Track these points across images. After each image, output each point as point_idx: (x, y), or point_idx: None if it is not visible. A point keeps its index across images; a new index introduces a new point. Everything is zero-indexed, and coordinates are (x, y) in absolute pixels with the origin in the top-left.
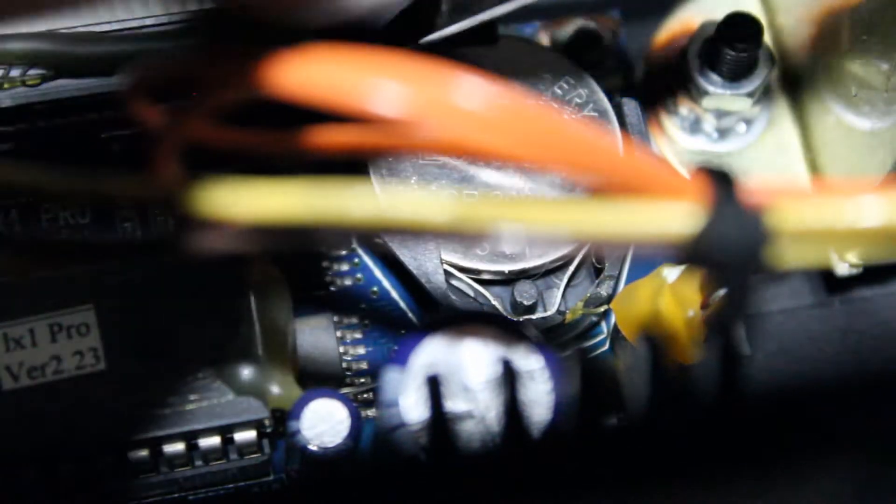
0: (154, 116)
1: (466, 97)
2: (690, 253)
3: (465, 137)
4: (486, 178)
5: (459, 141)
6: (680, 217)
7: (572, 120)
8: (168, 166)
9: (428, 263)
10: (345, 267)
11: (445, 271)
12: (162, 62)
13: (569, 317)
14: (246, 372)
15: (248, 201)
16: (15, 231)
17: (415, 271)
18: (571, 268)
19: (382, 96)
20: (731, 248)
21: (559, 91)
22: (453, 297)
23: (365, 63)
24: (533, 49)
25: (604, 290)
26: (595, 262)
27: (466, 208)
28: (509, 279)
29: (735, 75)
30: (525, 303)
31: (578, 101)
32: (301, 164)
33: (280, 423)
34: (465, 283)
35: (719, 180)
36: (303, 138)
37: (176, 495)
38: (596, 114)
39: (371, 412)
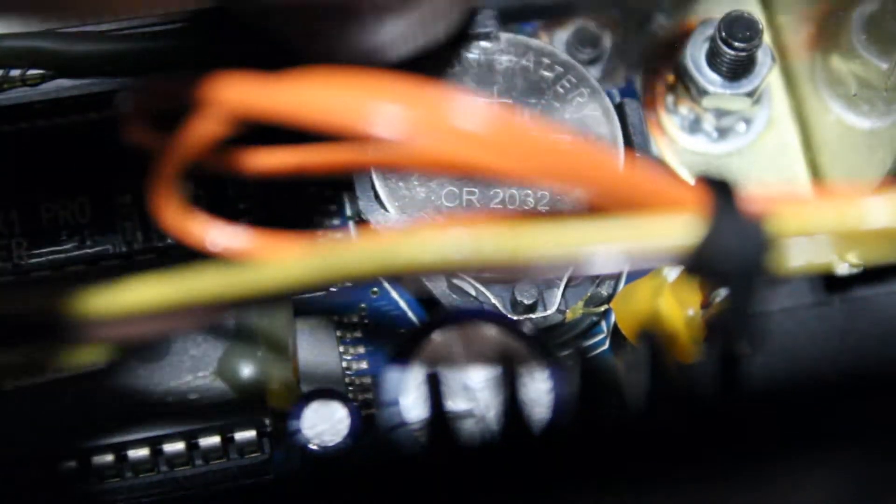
0: (153, 140)
1: (465, 118)
2: (692, 264)
3: (464, 157)
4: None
5: (459, 161)
6: (680, 228)
7: (570, 136)
8: (169, 190)
9: None
10: None
11: None
12: (160, 84)
13: (569, 316)
14: (246, 371)
15: (255, 276)
16: None
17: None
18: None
19: (381, 118)
20: (732, 257)
21: (561, 90)
22: (454, 295)
23: (363, 85)
24: (535, 50)
25: (604, 290)
26: None
27: (467, 241)
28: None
29: (735, 74)
30: (526, 302)
31: (580, 100)
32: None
33: (280, 422)
34: (466, 282)
35: (718, 189)
36: (301, 158)
37: (176, 494)
38: (598, 112)
39: (371, 411)
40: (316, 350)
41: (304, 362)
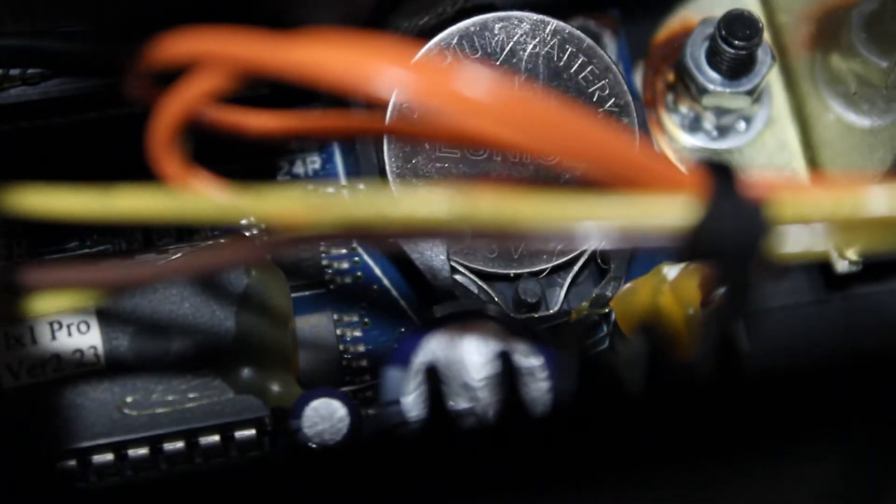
0: (156, 96)
1: (468, 85)
2: (690, 245)
3: (464, 125)
4: (499, 172)
5: (459, 128)
6: (679, 209)
7: (574, 111)
8: (171, 147)
9: (435, 260)
10: (345, 265)
11: (450, 267)
12: (165, 42)
13: (573, 316)
14: (246, 370)
15: (250, 204)
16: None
17: (421, 267)
18: (576, 267)
19: (384, 80)
20: (729, 239)
21: (583, 83)
22: (456, 293)
23: (368, 46)
24: (561, 36)
25: (609, 291)
26: (601, 262)
27: (465, 203)
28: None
29: (735, 73)
30: (529, 300)
31: (601, 94)
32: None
33: (280, 421)
34: (469, 280)
35: (719, 172)
36: (307, 120)
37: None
38: (617, 109)
39: (371, 410)
40: (316, 348)
41: (305, 361)
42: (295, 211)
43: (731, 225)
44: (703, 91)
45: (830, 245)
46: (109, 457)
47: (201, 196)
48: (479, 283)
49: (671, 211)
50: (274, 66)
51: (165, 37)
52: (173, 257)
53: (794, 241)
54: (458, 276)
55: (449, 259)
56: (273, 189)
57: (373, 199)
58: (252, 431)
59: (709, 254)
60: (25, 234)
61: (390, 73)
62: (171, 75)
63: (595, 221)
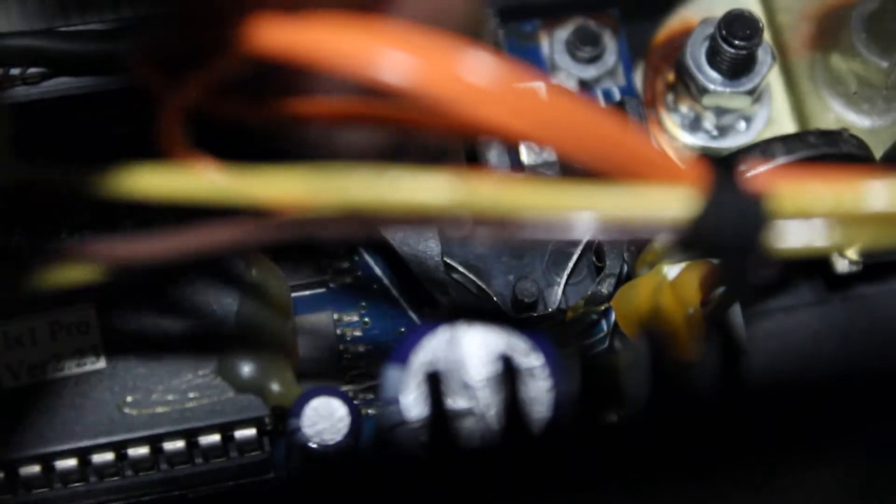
0: (158, 81)
1: (473, 71)
2: (688, 238)
3: (468, 112)
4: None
5: (463, 115)
6: (678, 201)
7: (577, 100)
8: (173, 134)
9: (428, 261)
10: (345, 264)
11: (447, 265)
12: (171, 26)
13: (570, 314)
14: (246, 369)
15: (250, 186)
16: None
17: (415, 269)
18: (570, 264)
19: (389, 65)
20: (728, 232)
21: None
22: (454, 294)
23: (374, 31)
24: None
25: (605, 288)
26: (595, 259)
27: (465, 188)
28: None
29: (735, 73)
30: (526, 300)
31: None
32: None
33: (280, 420)
34: (466, 279)
35: (719, 165)
36: (309, 107)
37: (176, 493)
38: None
39: (371, 410)
40: (316, 347)
41: (305, 360)
42: (295, 192)
43: (730, 218)
44: (704, 91)
45: (831, 240)
46: (109, 456)
47: (200, 176)
48: (478, 282)
49: (671, 202)
50: (278, 49)
51: (169, 21)
52: (170, 235)
53: (795, 236)
54: (456, 276)
55: (443, 259)
56: (273, 169)
57: (373, 182)
58: (252, 431)
59: (708, 246)
60: (24, 234)
61: (392, 57)
62: (177, 62)
63: (595, 211)
